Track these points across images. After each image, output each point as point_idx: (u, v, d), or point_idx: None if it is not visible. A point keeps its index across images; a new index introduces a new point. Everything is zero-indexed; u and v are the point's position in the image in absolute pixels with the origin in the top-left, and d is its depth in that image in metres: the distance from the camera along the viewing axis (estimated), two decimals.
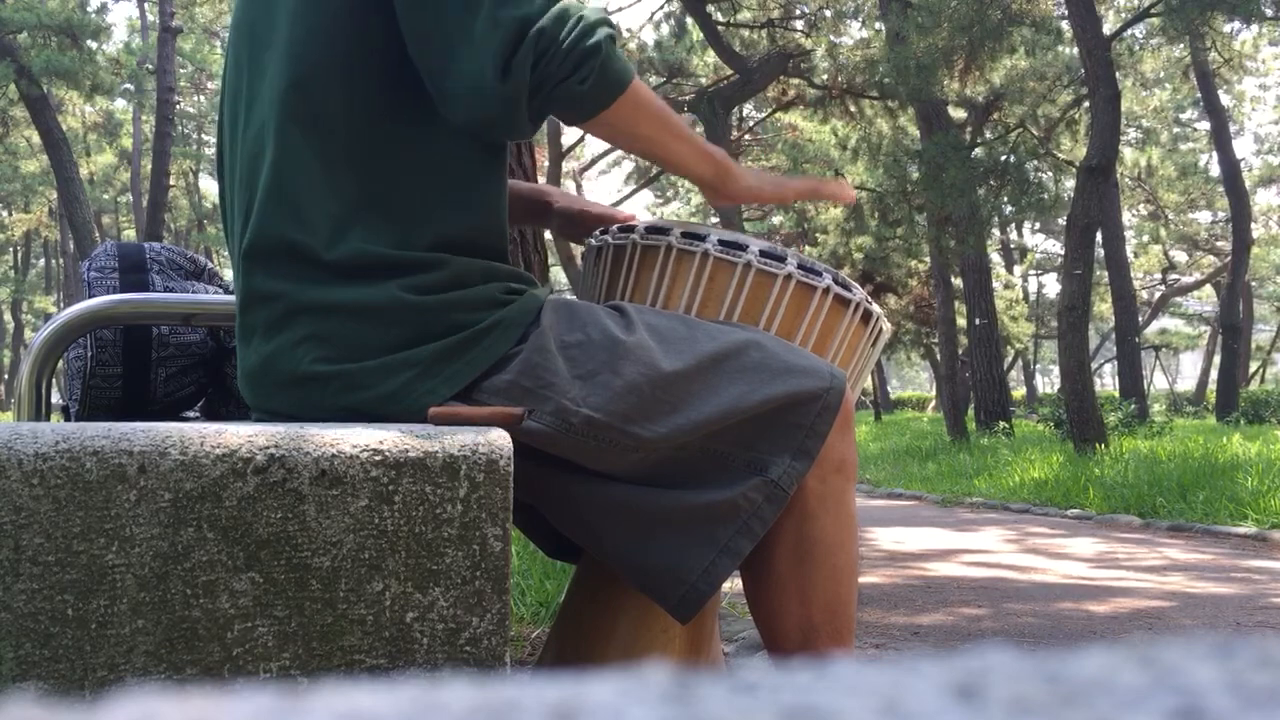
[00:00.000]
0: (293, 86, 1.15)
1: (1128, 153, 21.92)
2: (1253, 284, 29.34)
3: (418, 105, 1.17)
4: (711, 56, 17.62)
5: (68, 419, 1.73)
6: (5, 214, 34.71)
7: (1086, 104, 11.77)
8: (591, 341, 1.14)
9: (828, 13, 16.43)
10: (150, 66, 22.29)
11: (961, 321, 15.31)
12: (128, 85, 25.61)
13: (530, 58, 1.10)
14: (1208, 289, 31.78)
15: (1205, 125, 26.88)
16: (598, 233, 1.40)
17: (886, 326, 1.43)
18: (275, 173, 1.15)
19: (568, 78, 1.12)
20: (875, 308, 1.38)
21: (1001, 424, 13.39)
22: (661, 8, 19.39)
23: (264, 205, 1.16)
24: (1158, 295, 31.87)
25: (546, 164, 17.16)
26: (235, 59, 1.24)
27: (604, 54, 1.14)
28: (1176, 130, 31.54)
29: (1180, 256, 31.29)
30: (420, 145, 1.18)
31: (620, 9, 23.06)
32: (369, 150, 1.15)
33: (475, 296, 1.15)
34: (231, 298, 1.64)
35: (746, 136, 21.57)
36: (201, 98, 35.81)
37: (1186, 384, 41.50)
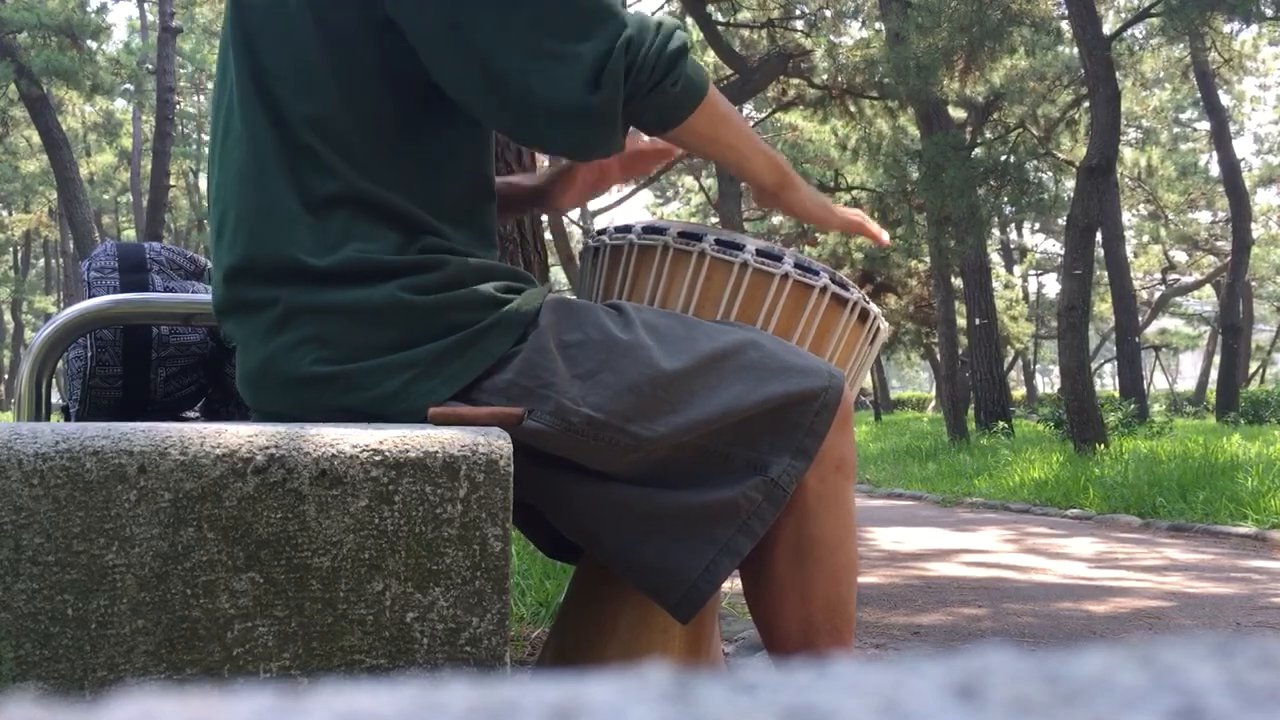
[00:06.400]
0: (279, 102, 1.15)
1: (1128, 153, 21.92)
2: (1253, 284, 29.33)
3: (409, 117, 1.17)
4: (711, 56, 17.60)
5: (68, 419, 1.73)
6: (5, 214, 34.69)
7: (1086, 104, 11.77)
8: (590, 341, 1.14)
9: (828, 13, 16.42)
10: (150, 66, 22.28)
11: (961, 321, 15.30)
12: (128, 85, 25.60)
13: (622, 65, 1.09)
14: (1208, 289, 31.78)
15: (1205, 125, 26.90)
16: (595, 233, 1.40)
17: (884, 326, 1.43)
18: (260, 191, 1.15)
19: (660, 82, 1.12)
20: (873, 307, 1.38)
21: (1001, 424, 13.39)
22: (661, 8, 19.40)
23: (254, 222, 1.15)
24: (1158, 295, 31.87)
25: (546, 163, 17.13)
26: (223, 73, 1.24)
27: (689, 56, 1.15)
28: (1176, 130, 31.55)
29: (1180, 256, 31.28)
30: (407, 151, 1.17)
31: None
32: (358, 161, 1.15)
33: (474, 296, 1.15)
34: None
35: None
36: (201, 98, 35.81)
37: (1186, 384, 41.50)
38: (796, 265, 1.30)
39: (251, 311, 1.16)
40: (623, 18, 1.11)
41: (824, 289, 1.31)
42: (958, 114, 14.80)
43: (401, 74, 1.15)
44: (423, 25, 1.11)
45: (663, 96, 1.13)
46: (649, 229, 1.32)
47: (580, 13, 1.10)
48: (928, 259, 15.20)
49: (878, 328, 1.40)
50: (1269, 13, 10.80)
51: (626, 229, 1.34)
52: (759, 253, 1.29)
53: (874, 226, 1.41)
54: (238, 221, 1.17)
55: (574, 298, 1.27)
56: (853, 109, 16.08)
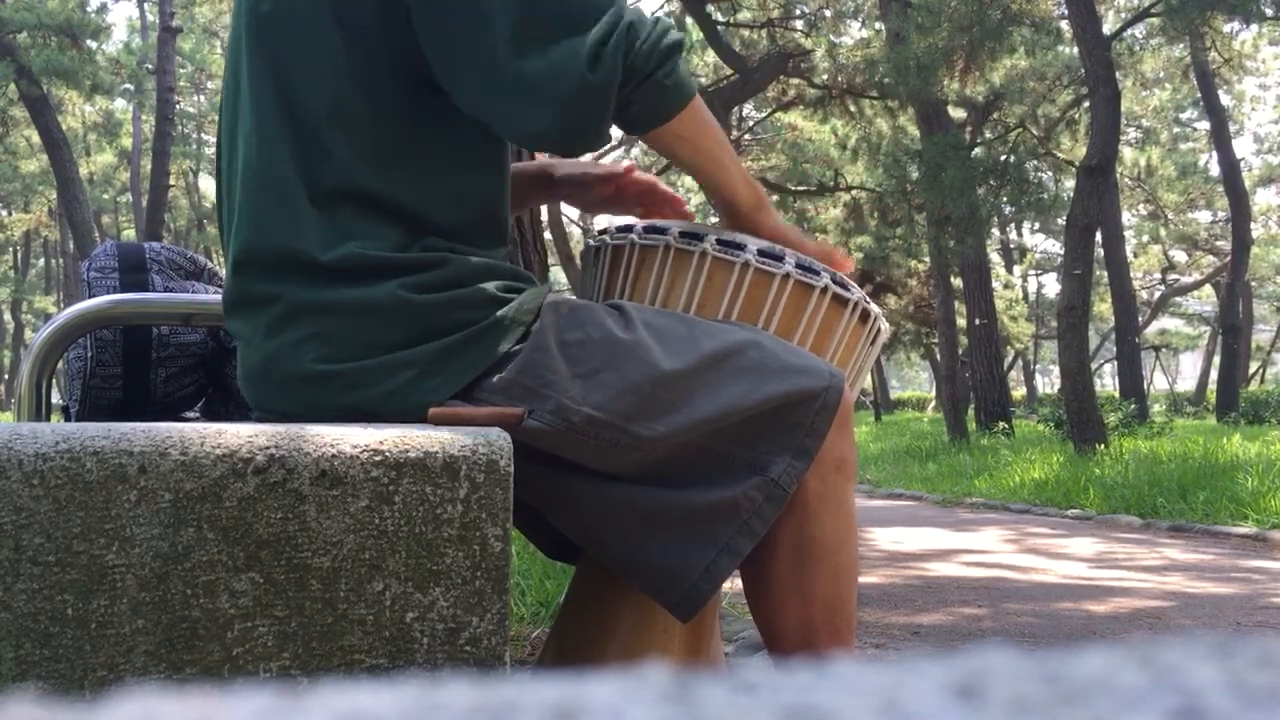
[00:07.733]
0: (291, 93, 1.15)
1: (1128, 153, 21.92)
2: (1253, 284, 29.32)
3: (419, 107, 1.17)
4: (711, 56, 17.59)
5: (68, 419, 1.73)
6: (5, 214, 34.68)
7: (1086, 104, 11.77)
8: (591, 340, 1.14)
9: (828, 13, 16.42)
10: (150, 66, 22.29)
11: (961, 321, 15.30)
12: (128, 85, 25.61)
13: (622, 48, 1.09)
14: (1208, 289, 31.77)
15: (1205, 125, 26.90)
16: (596, 233, 1.41)
17: (885, 326, 1.43)
18: (269, 179, 1.15)
19: (654, 72, 1.12)
20: (873, 307, 1.38)
21: (1001, 424, 13.38)
22: (661, 7, 19.38)
23: (259, 211, 1.16)
24: (1158, 295, 31.87)
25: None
26: (235, 62, 1.24)
27: (682, 54, 1.15)
28: (1176, 130, 31.55)
29: (1180, 256, 31.29)
30: (420, 147, 1.17)
31: None
32: (368, 156, 1.15)
33: (476, 295, 1.15)
34: None
35: (746, 136, 21.55)
36: (201, 98, 35.81)
37: (1186, 384, 41.47)
38: (798, 265, 1.30)
39: (254, 307, 1.16)
40: (622, 5, 1.11)
41: (825, 289, 1.31)
42: (958, 114, 14.80)
43: (416, 70, 1.15)
44: (422, 7, 1.11)
45: (655, 88, 1.13)
46: (650, 229, 1.32)
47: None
48: (928, 259, 15.20)
49: (879, 328, 1.40)
50: (1269, 13, 10.80)
51: (628, 229, 1.34)
52: (760, 253, 1.29)
53: (841, 257, 1.40)
54: (242, 211, 1.18)
55: (575, 298, 1.27)
56: (853, 109, 16.08)
